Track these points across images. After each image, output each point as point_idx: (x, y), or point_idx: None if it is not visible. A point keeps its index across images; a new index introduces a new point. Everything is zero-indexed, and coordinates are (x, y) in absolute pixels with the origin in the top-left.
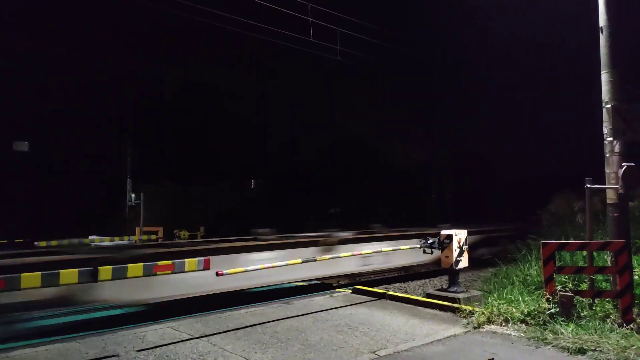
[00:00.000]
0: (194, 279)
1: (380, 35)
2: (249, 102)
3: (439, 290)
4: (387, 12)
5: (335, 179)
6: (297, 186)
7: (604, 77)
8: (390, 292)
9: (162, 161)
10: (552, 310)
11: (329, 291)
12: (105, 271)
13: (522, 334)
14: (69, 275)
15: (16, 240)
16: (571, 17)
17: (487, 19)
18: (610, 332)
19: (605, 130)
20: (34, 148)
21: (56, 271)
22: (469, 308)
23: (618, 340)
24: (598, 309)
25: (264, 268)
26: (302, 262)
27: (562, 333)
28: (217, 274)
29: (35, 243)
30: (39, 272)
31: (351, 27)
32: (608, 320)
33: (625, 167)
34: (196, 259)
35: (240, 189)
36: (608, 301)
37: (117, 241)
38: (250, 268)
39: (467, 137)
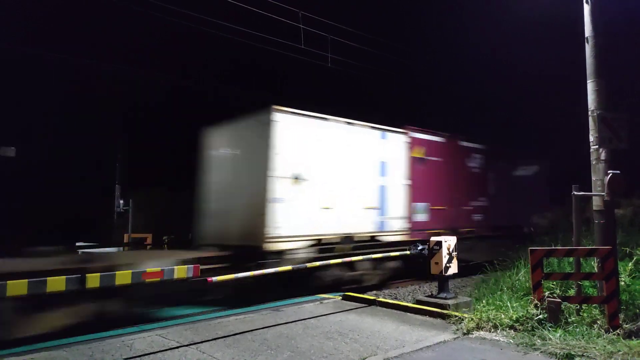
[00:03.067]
0: None
1: (371, 42)
2: (238, 109)
3: (428, 296)
4: (379, 20)
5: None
6: None
7: (590, 86)
8: (380, 299)
9: (151, 167)
10: (541, 316)
11: (318, 298)
12: (93, 278)
13: (510, 340)
14: (56, 283)
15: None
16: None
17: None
18: (598, 338)
19: (591, 138)
20: (20, 153)
21: (43, 278)
22: (458, 314)
23: (605, 346)
24: (585, 314)
25: (254, 276)
26: None
27: (550, 339)
28: (207, 281)
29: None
30: (26, 280)
31: (342, 35)
32: (595, 325)
33: (610, 174)
34: (185, 266)
35: None
36: (595, 307)
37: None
38: (240, 275)
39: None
